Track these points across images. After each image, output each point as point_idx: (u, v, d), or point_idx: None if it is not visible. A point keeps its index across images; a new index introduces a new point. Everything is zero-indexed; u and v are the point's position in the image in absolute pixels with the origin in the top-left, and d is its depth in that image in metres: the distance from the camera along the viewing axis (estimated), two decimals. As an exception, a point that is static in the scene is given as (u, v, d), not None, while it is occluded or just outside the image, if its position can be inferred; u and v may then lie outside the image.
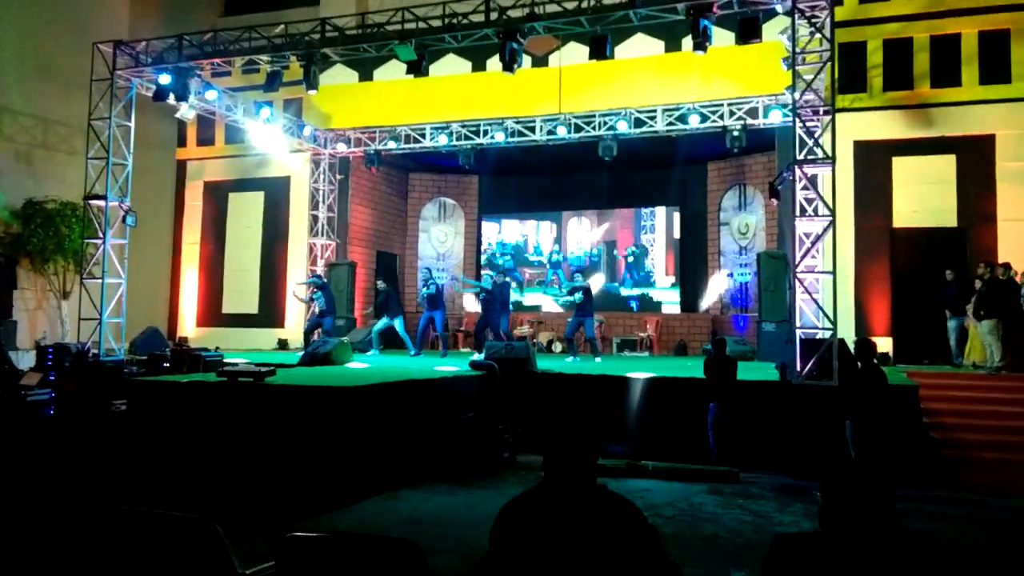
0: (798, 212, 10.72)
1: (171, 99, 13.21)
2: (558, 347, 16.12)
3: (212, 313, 17.66)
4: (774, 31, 11.98)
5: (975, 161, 12.49)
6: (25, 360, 13.42)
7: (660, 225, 18.25)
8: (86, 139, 13.52)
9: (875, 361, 8.03)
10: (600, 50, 11.12)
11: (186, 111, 13.92)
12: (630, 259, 18.38)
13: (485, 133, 15.77)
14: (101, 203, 13.29)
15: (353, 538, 2.86)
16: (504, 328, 13.58)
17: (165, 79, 12.93)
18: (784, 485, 8.22)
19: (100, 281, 13.08)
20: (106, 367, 11.61)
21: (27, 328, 14.70)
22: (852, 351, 8.90)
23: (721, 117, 14.17)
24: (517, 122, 15.54)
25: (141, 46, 13.43)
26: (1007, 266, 11.13)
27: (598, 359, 13.24)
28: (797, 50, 10.62)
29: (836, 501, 2.44)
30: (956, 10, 12.68)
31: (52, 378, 11.12)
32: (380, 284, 14.65)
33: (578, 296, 13.16)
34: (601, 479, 2.65)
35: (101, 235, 13.28)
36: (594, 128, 14.97)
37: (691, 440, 9.26)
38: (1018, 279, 11.09)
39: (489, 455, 8.87)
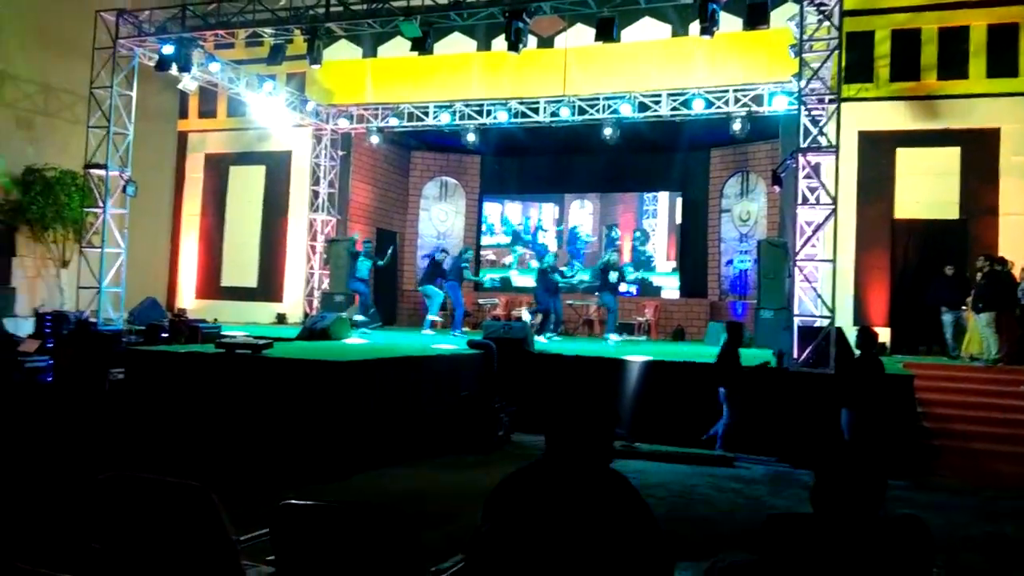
0: (800, 200, 10.70)
1: (173, 70, 13.15)
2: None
3: (211, 286, 17.66)
4: (782, 18, 11.90)
5: (979, 154, 12.45)
6: (23, 327, 13.43)
7: (663, 210, 18.21)
8: (87, 107, 13.46)
9: (873, 351, 8.05)
10: (607, 32, 11.05)
11: (188, 82, 13.86)
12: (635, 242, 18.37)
13: (488, 113, 15.69)
14: (101, 172, 13.26)
15: (347, 507, 2.88)
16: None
17: (168, 49, 12.86)
18: (779, 472, 8.25)
19: (99, 250, 13.08)
20: (104, 336, 11.63)
21: (26, 295, 14.68)
22: (850, 340, 8.92)
23: (726, 103, 14.10)
24: (521, 103, 15.43)
25: (144, 15, 13.35)
26: (1003, 261, 11.13)
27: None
28: (805, 37, 10.55)
29: (829, 483, 2.45)
30: (965, 2, 12.59)
31: (50, 345, 11.15)
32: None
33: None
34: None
35: (101, 204, 13.27)
36: (598, 111, 14.89)
37: (686, 424, 9.29)
38: (1016, 275, 11.08)
39: (484, 434, 8.90)
